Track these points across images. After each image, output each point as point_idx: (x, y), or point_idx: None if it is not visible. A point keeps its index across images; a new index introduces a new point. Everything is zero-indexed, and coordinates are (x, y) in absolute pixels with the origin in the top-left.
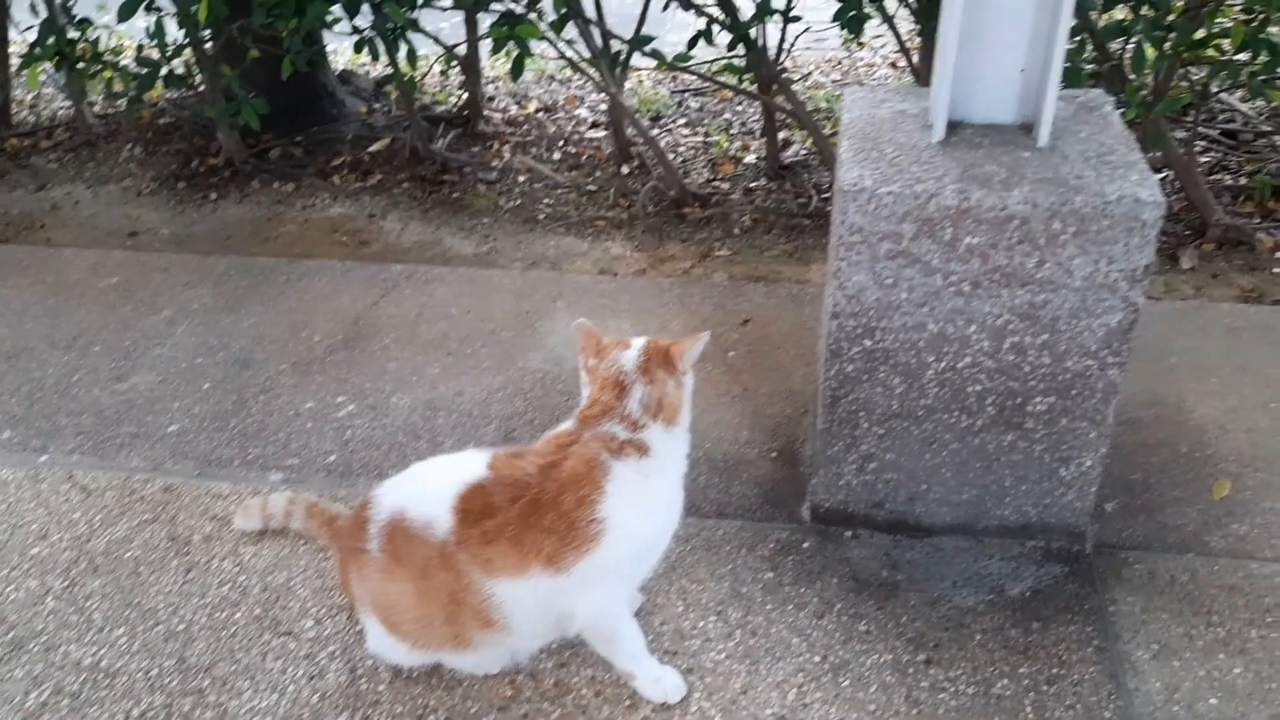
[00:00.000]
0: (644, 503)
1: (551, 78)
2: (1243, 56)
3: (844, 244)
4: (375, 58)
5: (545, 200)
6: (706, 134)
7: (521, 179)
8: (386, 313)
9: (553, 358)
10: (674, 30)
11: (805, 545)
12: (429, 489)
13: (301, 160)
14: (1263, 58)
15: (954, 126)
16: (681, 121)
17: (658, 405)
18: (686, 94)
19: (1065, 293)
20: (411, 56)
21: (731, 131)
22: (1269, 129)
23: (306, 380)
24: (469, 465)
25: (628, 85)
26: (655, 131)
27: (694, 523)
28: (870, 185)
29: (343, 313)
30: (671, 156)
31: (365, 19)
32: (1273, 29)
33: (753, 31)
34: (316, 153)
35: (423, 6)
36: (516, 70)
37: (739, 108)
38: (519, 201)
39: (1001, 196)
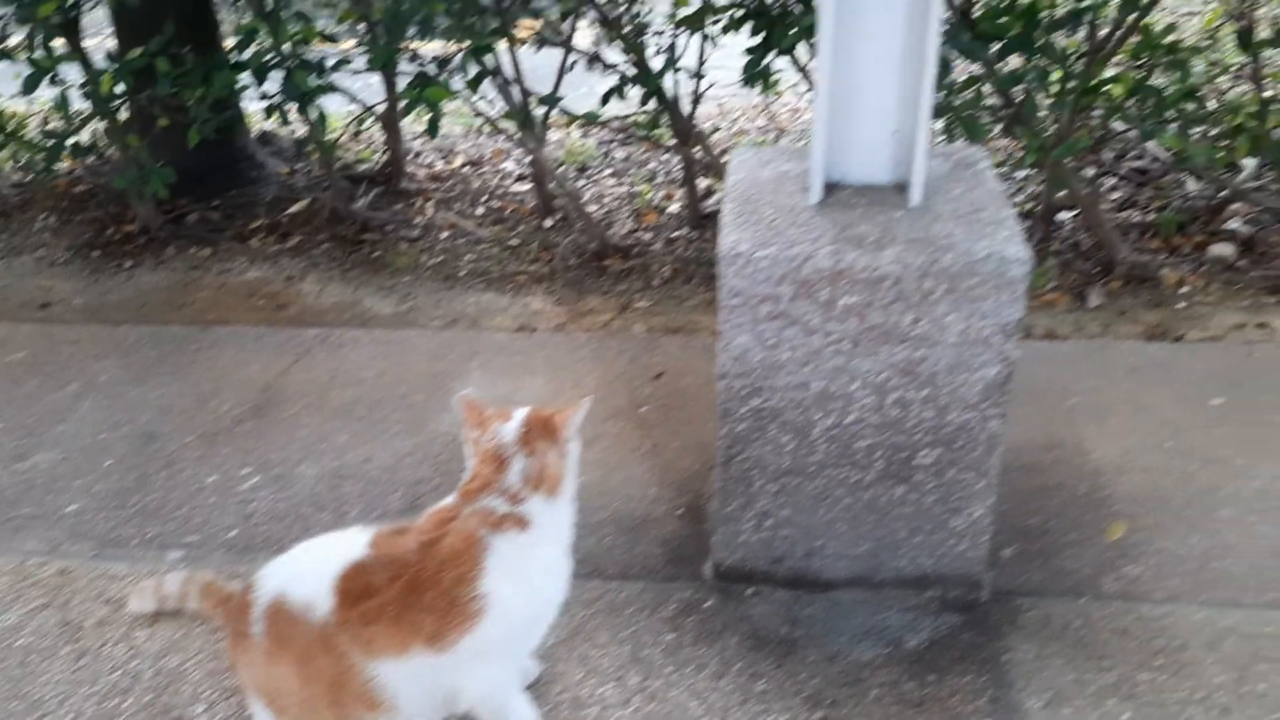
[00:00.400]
0: (525, 577)
1: (479, 131)
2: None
3: (726, 307)
4: (285, 122)
5: (467, 256)
6: (632, 184)
7: (444, 235)
8: (298, 379)
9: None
10: (602, 83)
11: (707, 605)
12: (310, 570)
13: (219, 224)
14: (1150, 103)
15: (832, 188)
16: (608, 172)
17: (539, 477)
18: (613, 144)
19: (942, 348)
20: (322, 121)
21: (656, 181)
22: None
23: (212, 452)
24: (350, 544)
25: (556, 136)
26: (581, 183)
27: (598, 585)
28: (747, 250)
29: (253, 380)
30: (596, 207)
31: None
32: (1159, 77)
33: (667, 86)
34: (235, 216)
35: (332, 70)
36: (432, 130)
37: (664, 157)
38: (441, 258)
39: (874, 257)
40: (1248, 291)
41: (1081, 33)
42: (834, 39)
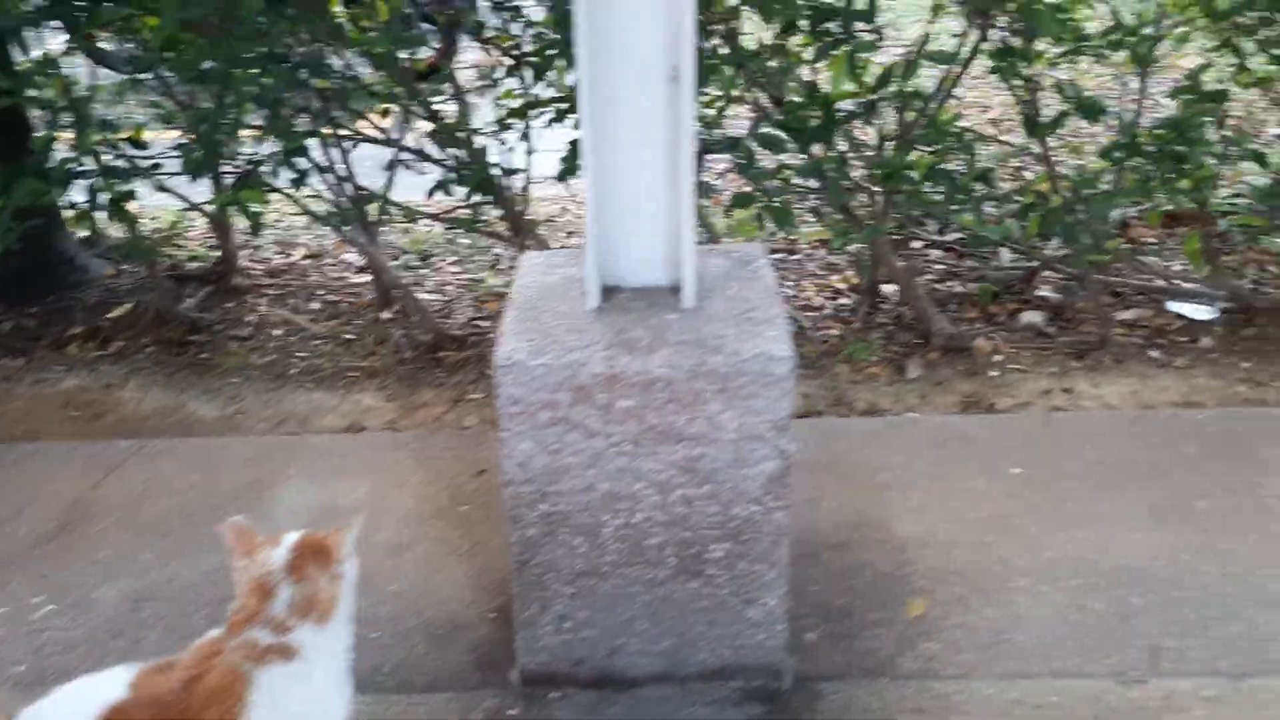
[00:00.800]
0: (293, 710)
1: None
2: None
3: (506, 415)
4: (93, 230)
5: (300, 353)
6: (475, 271)
7: (277, 333)
8: (107, 494)
9: (278, 529)
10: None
11: (512, 712)
12: (66, 715)
13: (35, 332)
14: (943, 188)
15: (611, 291)
16: (452, 259)
17: (307, 604)
18: (459, 231)
19: (720, 445)
20: (132, 225)
21: (499, 267)
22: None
23: (5, 580)
24: (110, 685)
25: (403, 224)
26: (425, 271)
27: (402, 700)
28: (523, 358)
29: (58, 498)
30: (438, 296)
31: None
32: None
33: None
34: (53, 323)
35: (144, 175)
36: (254, 230)
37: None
38: (272, 357)
39: (645, 361)
40: (1056, 357)
41: (892, 119)
42: (596, 148)
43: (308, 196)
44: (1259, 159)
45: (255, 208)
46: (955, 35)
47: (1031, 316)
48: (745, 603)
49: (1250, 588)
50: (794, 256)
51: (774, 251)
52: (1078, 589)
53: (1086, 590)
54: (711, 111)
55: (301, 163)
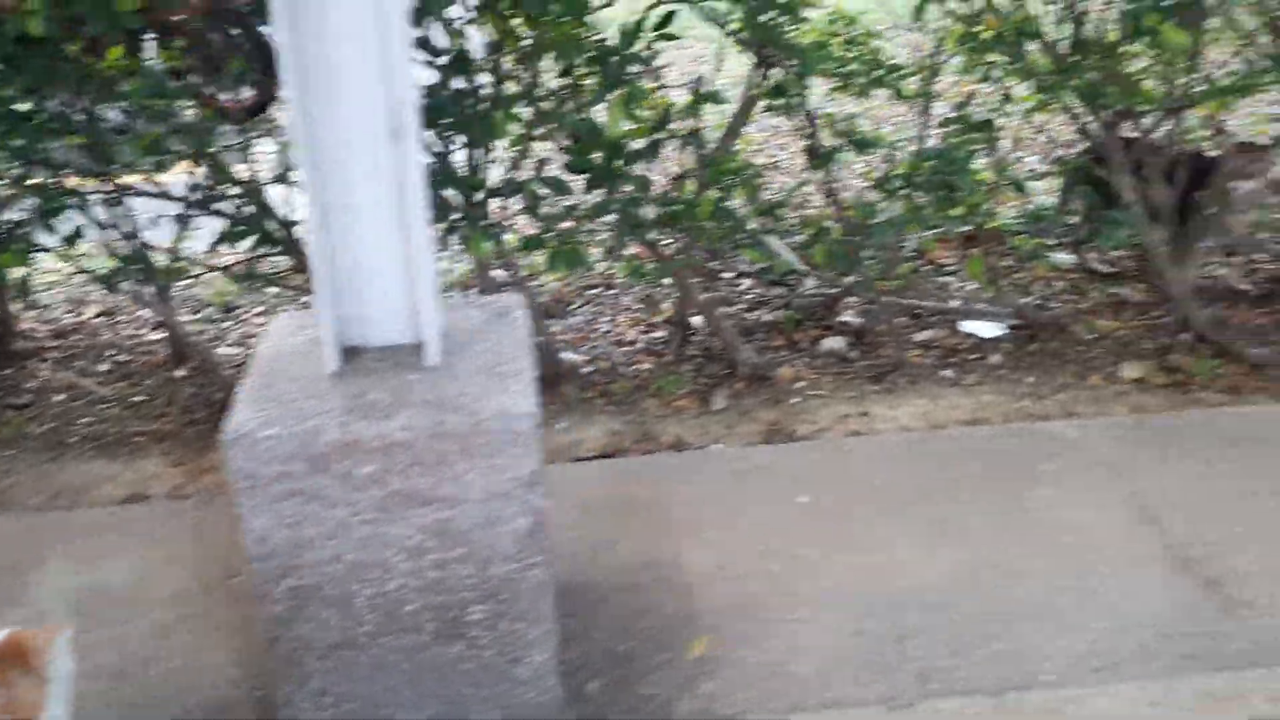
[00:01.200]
0: None
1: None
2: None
3: (239, 490)
4: None
5: (83, 419)
6: None
7: (59, 398)
8: None
9: (33, 617)
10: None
11: None
12: None
13: None
14: (728, 224)
15: (354, 352)
16: (257, 310)
17: (4, 710)
18: (262, 280)
19: (468, 506)
20: None
21: None
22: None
23: None
24: None
25: (203, 275)
26: (228, 324)
27: None
28: (251, 429)
29: None
30: (241, 349)
31: None
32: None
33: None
34: None
35: None
36: (22, 292)
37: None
38: (52, 425)
39: (383, 425)
40: (855, 381)
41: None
42: (322, 210)
43: (85, 255)
44: (1019, 188)
45: (16, 271)
46: (754, 69)
47: (833, 342)
48: (512, 662)
49: (1017, 602)
50: (610, 291)
51: (591, 286)
52: (858, 615)
53: (866, 615)
54: (511, 154)
55: (67, 221)
